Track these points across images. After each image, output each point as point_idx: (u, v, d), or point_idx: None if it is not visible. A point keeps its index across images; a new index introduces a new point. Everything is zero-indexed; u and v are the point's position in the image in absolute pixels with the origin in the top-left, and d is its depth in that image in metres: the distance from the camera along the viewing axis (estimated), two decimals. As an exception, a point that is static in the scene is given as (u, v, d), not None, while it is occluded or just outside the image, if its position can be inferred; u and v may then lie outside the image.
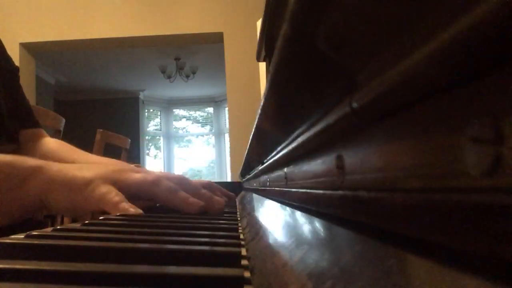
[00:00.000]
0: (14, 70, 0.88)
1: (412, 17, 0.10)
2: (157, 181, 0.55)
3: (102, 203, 0.51)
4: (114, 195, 0.51)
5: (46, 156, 0.82)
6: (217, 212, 0.57)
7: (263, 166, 0.53)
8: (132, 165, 0.73)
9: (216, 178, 6.02)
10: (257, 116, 0.33)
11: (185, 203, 0.54)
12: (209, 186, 0.83)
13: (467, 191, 0.08)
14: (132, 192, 0.54)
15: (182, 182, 0.59)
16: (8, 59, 0.86)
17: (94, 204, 0.51)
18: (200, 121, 6.80)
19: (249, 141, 0.55)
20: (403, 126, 0.12)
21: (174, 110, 6.64)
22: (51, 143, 0.89)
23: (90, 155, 0.89)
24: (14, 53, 3.10)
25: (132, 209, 0.50)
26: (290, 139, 0.28)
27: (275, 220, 0.34)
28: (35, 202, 0.52)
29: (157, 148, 6.63)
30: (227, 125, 3.97)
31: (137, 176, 0.55)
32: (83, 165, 0.60)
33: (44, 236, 0.28)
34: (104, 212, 0.52)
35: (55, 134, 1.33)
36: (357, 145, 0.16)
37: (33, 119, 0.89)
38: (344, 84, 0.16)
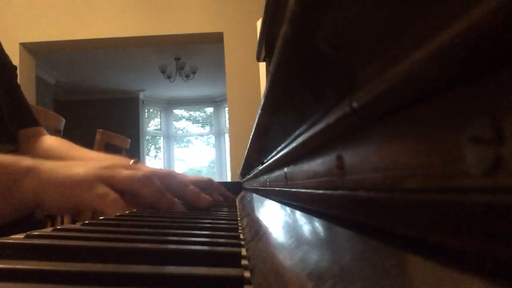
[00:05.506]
0: (11, 69, 0.87)
1: (412, 17, 0.10)
2: (146, 180, 0.55)
3: (101, 204, 0.51)
4: (112, 197, 0.52)
5: (45, 155, 0.81)
6: (203, 208, 0.61)
7: (263, 166, 0.53)
8: (128, 160, 0.73)
9: (216, 178, 6.01)
10: (257, 116, 0.33)
11: (169, 207, 0.57)
12: (208, 184, 0.84)
13: (467, 191, 0.08)
14: (119, 188, 0.54)
15: (169, 181, 0.61)
16: (5, 57, 0.85)
17: (91, 203, 0.52)
18: (200, 121, 6.80)
19: (249, 141, 0.55)
20: (403, 126, 0.12)
21: (174, 110, 6.64)
22: (50, 140, 0.89)
23: (88, 151, 0.88)
24: (14, 53, 3.10)
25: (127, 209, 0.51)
26: (290, 139, 0.28)
27: (275, 220, 0.34)
28: (29, 202, 0.52)
29: (157, 148, 6.63)
30: (227, 125, 3.97)
31: (126, 173, 0.56)
32: (74, 162, 0.60)
33: (44, 236, 0.28)
34: (103, 212, 0.52)
35: (55, 134, 1.33)
36: (357, 145, 0.16)
37: (32, 117, 0.89)
38: (344, 84, 0.16)
